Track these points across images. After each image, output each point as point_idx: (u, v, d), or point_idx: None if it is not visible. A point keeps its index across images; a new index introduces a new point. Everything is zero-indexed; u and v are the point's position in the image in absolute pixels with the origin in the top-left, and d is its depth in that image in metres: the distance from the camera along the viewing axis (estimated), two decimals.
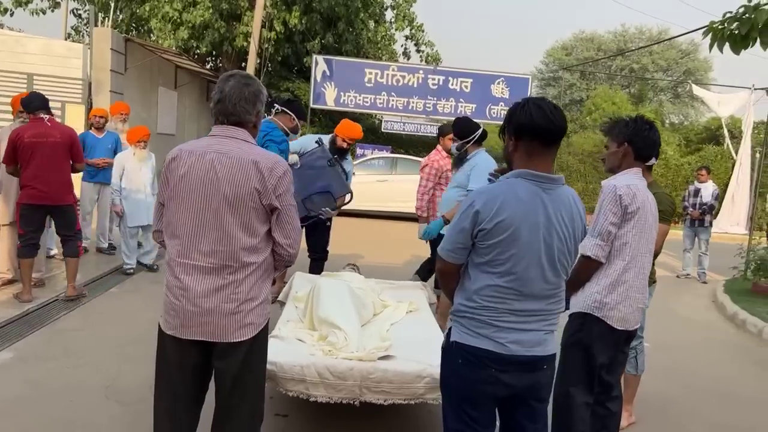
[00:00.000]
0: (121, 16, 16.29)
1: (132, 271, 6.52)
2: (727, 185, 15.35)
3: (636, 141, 2.83)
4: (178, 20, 14.72)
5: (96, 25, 10.96)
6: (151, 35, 16.53)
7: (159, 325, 2.28)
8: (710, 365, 5.17)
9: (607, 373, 2.87)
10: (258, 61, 12.75)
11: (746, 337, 6.18)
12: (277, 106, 4.87)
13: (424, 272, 5.58)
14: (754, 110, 15.65)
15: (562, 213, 2.07)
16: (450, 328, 2.21)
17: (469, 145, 4.62)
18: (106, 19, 11.67)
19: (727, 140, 16.74)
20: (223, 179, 2.10)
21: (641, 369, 3.58)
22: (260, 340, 2.28)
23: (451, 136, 5.61)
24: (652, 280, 3.52)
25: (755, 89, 15.33)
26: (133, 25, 17.33)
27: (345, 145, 5.53)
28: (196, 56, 16.98)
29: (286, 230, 2.22)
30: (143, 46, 11.59)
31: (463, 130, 4.62)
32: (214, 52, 18.36)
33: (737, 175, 15.37)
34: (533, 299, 2.07)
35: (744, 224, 15.16)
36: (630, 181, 2.75)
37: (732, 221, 15.28)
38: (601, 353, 2.77)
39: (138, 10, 15.42)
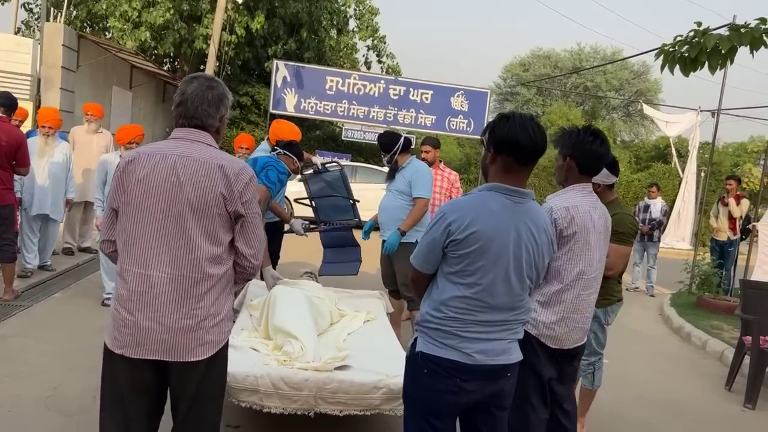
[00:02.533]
0: (75, 13, 15.79)
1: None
2: (674, 202, 15.91)
3: (578, 155, 2.68)
4: (137, 19, 14.37)
5: (48, 20, 10.56)
6: (107, 33, 16.08)
7: (105, 344, 2.08)
8: (659, 377, 5.32)
9: (557, 384, 2.89)
10: (217, 64, 12.54)
11: (691, 350, 6.38)
12: (278, 149, 4.82)
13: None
14: (700, 131, 16.31)
15: (531, 227, 2.09)
16: (415, 339, 2.20)
17: (397, 155, 4.67)
18: (59, 14, 11.26)
19: (675, 159, 17.38)
20: (186, 183, 1.98)
21: (597, 384, 3.62)
22: (219, 359, 2.13)
23: (425, 147, 5.70)
24: (616, 299, 3.58)
25: (701, 111, 15.97)
26: (89, 22, 16.82)
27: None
28: (153, 57, 16.60)
29: (250, 240, 2.11)
30: (97, 43, 11.25)
31: (387, 143, 4.72)
32: (172, 54, 18.00)
33: (683, 192, 15.93)
34: (499, 310, 2.08)
35: (689, 240, 15.75)
36: (571, 202, 2.65)
37: (678, 237, 15.82)
38: (545, 369, 2.75)
39: (94, 8, 14.98)
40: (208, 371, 2.09)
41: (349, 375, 2.94)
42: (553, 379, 2.82)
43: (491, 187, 2.08)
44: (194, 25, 15.36)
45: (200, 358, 2.05)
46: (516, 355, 2.16)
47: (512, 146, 2.04)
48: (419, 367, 2.13)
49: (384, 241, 4.68)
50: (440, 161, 5.90)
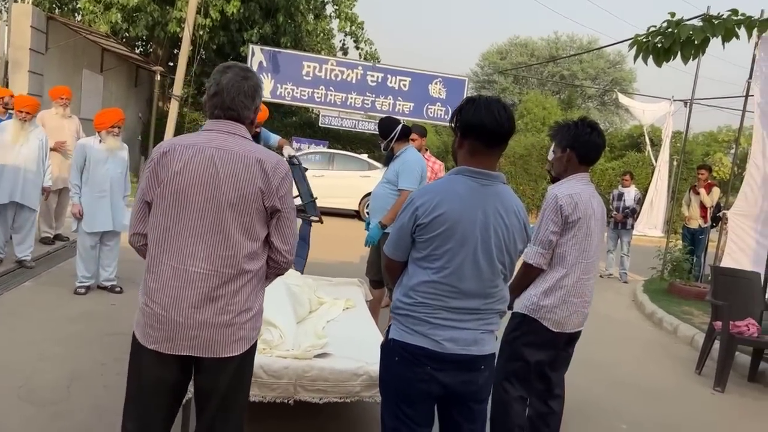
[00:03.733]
0: None
1: (84, 291, 5.42)
2: (647, 190, 16.18)
3: (578, 146, 2.81)
4: (108, 1, 13.99)
5: (15, 1, 10.22)
6: (77, 15, 15.66)
7: (134, 338, 2.03)
8: (631, 362, 5.43)
9: (550, 369, 2.94)
10: (191, 48, 12.29)
11: (663, 335, 6.52)
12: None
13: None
14: (673, 120, 16.57)
15: (499, 209, 2.09)
16: (389, 326, 2.20)
17: (393, 143, 4.64)
18: None
19: (648, 148, 17.65)
20: (225, 177, 1.92)
21: None
22: (250, 356, 2.10)
23: (412, 136, 5.64)
24: None
25: (674, 100, 16.22)
26: (58, 3, 16.33)
27: (254, 130, 5.25)
28: (125, 40, 16.21)
29: (285, 235, 2.06)
30: (67, 25, 10.93)
31: (385, 129, 4.68)
32: (145, 37, 17.60)
33: (656, 180, 16.22)
34: (469, 297, 2.08)
35: (661, 227, 16.07)
36: (573, 189, 2.77)
37: (650, 224, 16.11)
38: (535, 352, 2.84)
39: None
40: (240, 367, 2.05)
41: (329, 362, 2.93)
42: (544, 364, 2.88)
43: (459, 170, 2.09)
44: (167, 7, 15.01)
45: (235, 354, 2.00)
46: (489, 347, 2.15)
47: (478, 129, 2.04)
48: (392, 354, 2.13)
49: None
50: (426, 150, 5.87)
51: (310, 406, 2.96)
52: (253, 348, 2.11)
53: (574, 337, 2.93)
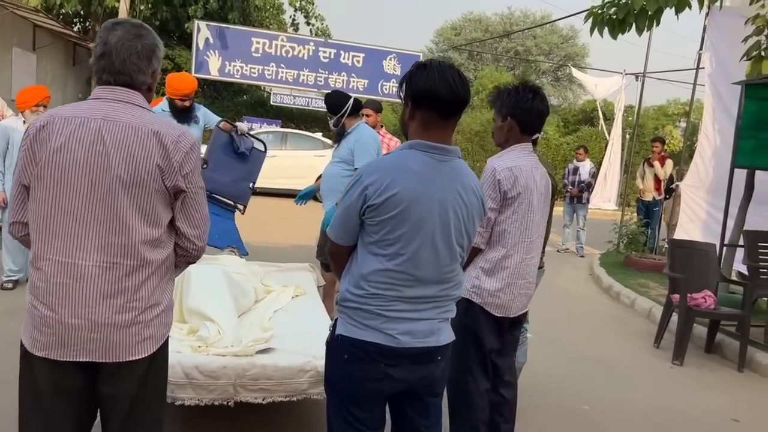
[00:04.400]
0: None
1: (11, 286, 5.04)
2: (600, 164, 16.35)
3: (519, 113, 2.54)
4: None
5: None
6: None
7: (21, 345, 1.75)
8: (590, 336, 5.37)
9: (498, 356, 2.77)
10: None
11: (621, 309, 6.52)
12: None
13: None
14: (625, 94, 16.74)
15: (457, 187, 1.87)
16: (336, 320, 1.97)
17: (345, 118, 4.35)
18: None
19: (601, 122, 17.83)
20: (115, 153, 1.65)
21: (522, 360, 3.51)
22: (161, 357, 1.83)
23: (366, 111, 5.34)
24: (539, 266, 3.47)
25: (626, 74, 16.36)
26: None
27: (183, 103, 4.69)
28: (60, 16, 15.27)
29: (194, 219, 1.80)
30: None
31: (334, 104, 4.35)
32: (82, 13, 16.63)
33: (609, 154, 16.38)
34: (426, 284, 1.86)
35: (615, 201, 16.31)
36: (514, 162, 2.52)
37: (604, 198, 16.29)
38: (488, 339, 2.65)
39: None
40: (149, 370, 1.77)
41: (273, 358, 2.68)
42: (494, 351, 2.69)
43: (412, 144, 1.85)
44: None
45: (141, 356, 1.74)
46: (446, 337, 1.96)
47: (432, 98, 1.81)
48: (339, 351, 1.90)
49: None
50: (381, 126, 5.60)
51: (253, 407, 2.71)
52: (165, 347, 1.84)
53: (518, 319, 2.73)
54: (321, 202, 4.44)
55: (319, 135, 14.27)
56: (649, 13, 6.30)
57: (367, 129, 4.46)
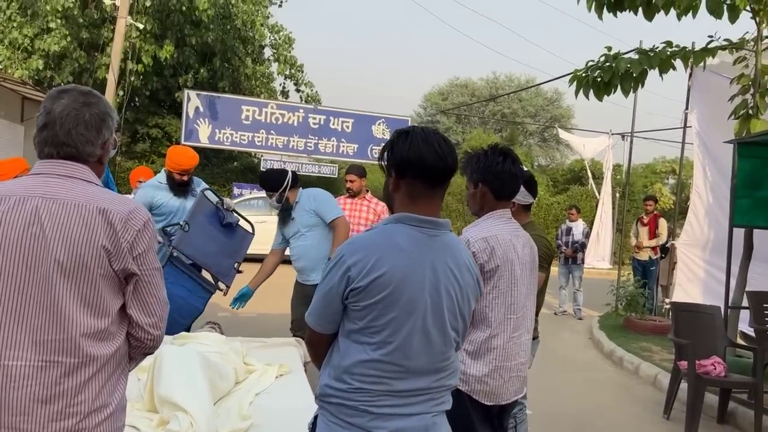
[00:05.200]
0: None
1: None
2: (592, 223, 16.32)
3: (490, 178, 2.36)
4: (30, 48, 13.30)
5: None
6: None
7: None
8: (595, 407, 5.06)
9: None
10: (121, 94, 11.71)
11: (624, 375, 6.22)
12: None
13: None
14: (613, 153, 16.93)
15: (450, 265, 1.68)
16: (315, 417, 1.73)
17: (288, 192, 4.23)
18: None
19: (591, 181, 17.94)
20: (53, 236, 1.47)
21: None
22: None
23: (350, 177, 5.26)
24: (533, 337, 3.24)
25: (612, 134, 16.61)
26: None
27: (182, 178, 4.54)
28: (52, 88, 15.44)
29: (148, 305, 1.60)
30: None
31: (275, 181, 4.23)
32: (73, 84, 16.86)
33: (600, 213, 16.42)
34: (418, 375, 1.65)
35: (608, 259, 16.21)
36: (489, 231, 2.31)
37: (598, 257, 16.22)
38: (482, 429, 2.36)
39: None
40: None
41: None
42: None
43: (398, 218, 1.68)
44: (95, 53, 14.41)
45: None
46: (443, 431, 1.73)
47: (417, 167, 1.65)
48: None
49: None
50: (367, 191, 5.48)
51: None
52: None
53: (507, 408, 2.44)
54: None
55: None
56: (634, 75, 6.37)
57: (310, 189, 4.39)
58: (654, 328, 7.67)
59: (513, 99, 32.20)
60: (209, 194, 4.53)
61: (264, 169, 4.39)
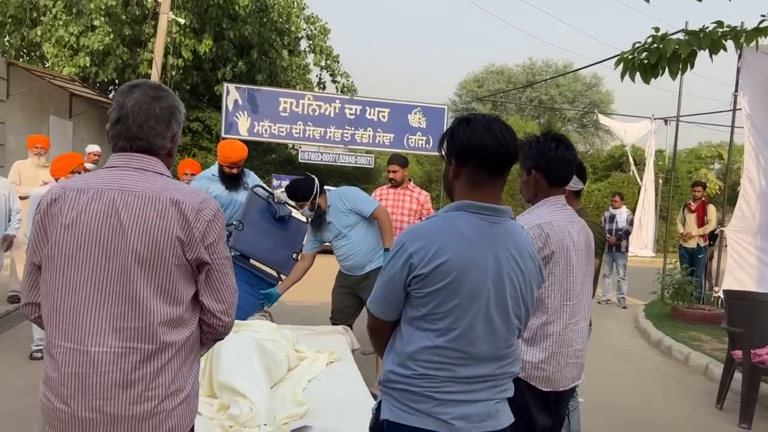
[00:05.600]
0: (9, 41, 14.97)
1: (41, 356, 4.74)
2: (634, 210, 15.97)
3: (543, 165, 2.35)
4: (75, 45, 13.67)
5: None
6: (45, 61, 15.30)
7: None
8: (645, 398, 4.99)
9: None
10: None
11: (674, 365, 6.10)
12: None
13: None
14: (655, 139, 16.48)
15: (513, 252, 1.68)
16: (379, 403, 1.76)
17: (318, 199, 4.21)
18: None
19: (633, 167, 17.52)
20: (130, 227, 1.52)
21: (575, 429, 3.21)
22: None
23: (393, 167, 5.28)
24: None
25: (655, 119, 16.17)
26: (24, 50, 15.99)
27: (231, 171, 4.65)
28: (97, 85, 15.86)
29: (219, 292, 1.65)
30: (30, 71, 10.54)
31: (304, 192, 4.17)
32: (116, 80, 17.28)
33: (643, 200, 16.03)
34: (482, 362, 1.66)
35: (651, 247, 15.82)
36: (543, 218, 2.31)
37: (641, 244, 15.83)
38: (539, 416, 2.36)
39: (29, 34, 14.22)
40: None
41: None
42: (547, 429, 2.42)
43: (459, 206, 1.68)
44: (137, 49, 14.73)
45: None
46: (505, 419, 1.74)
47: (479, 154, 1.65)
48: None
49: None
50: (410, 180, 5.49)
51: None
52: None
53: (565, 394, 2.42)
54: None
55: None
56: (682, 56, 6.19)
57: (338, 188, 4.42)
58: (703, 317, 7.49)
59: (550, 85, 31.60)
60: (259, 190, 4.62)
61: (291, 181, 4.40)
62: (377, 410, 1.76)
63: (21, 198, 6.45)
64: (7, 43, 14.92)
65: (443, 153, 1.75)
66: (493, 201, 1.69)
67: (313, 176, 4.27)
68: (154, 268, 1.54)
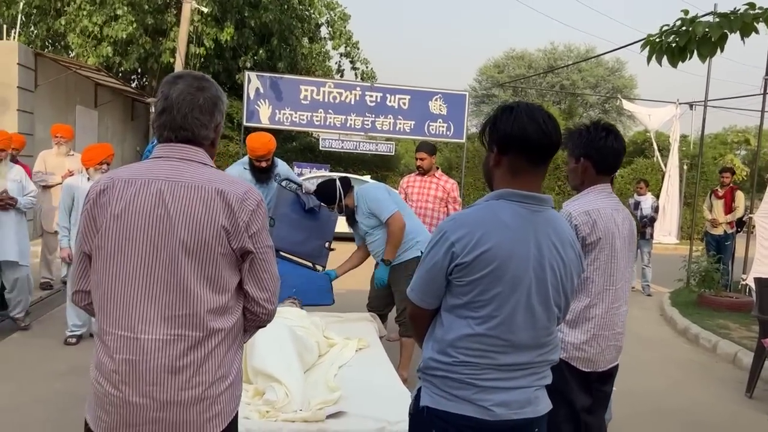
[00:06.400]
0: (35, 31, 15.16)
1: (75, 341, 5.05)
2: (658, 196, 15.76)
3: (593, 153, 2.43)
4: (99, 35, 13.80)
5: (2, 39, 9.99)
6: (70, 51, 15.49)
7: (86, 425, 1.65)
8: (673, 386, 4.96)
9: (588, 414, 2.52)
10: None
11: (701, 353, 6.05)
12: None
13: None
14: (679, 124, 16.22)
15: (554, 240, 1.69)
16: (419, 389, 1.78)
17: (345, 200, 4.31)
18: (20, 33, 10.69)
19: (656, 153, 17.26)
20: (177, 217, 1.55)
21: (607, 417, 3.23)
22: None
23: (421, 155, 5.28)
24: None
25: (680, 104, 15.88)
26: (50, 41, 16.18)
27: (260, 164, 4.65)
28: (120, 74, 16.01)
29: (263, 281, 1.67)
30: (57, 61, 10.66)
31: (330, 195, 4.33)
32: (139, 70, 17.42)
33: (667, 186, 15.81)
34: (522, 350, 1.67)
35: (675, 234, 15.62)
36: (591, 205, 2.38)
37: (664, 231, 15.64)
38: (578, 397, 2.44)
39: (54, 25, 14.38)
40: None
41: (345, 424, 2.51)
42: (585, 409, 2.46)
43: (500, 194, 1.69)
44: (160, 39, 14.82)
45: None
46: (544, 406, 1.76)
47: (521, 143, 1.66)
48: (426, 425, 1.71)
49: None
50: (437, 168, 5.48)
51: None
52: (234, 424, 1.70)
53: (607, 374, 2.53)
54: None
55: (367, 177, 14.29)
56: (713, 39, 6.06)
57: (362, 188, 4.38)
58: (731, 304, 7.40)
59: (572, 70, 31.16)
60: (287, 183, 4.67)
61: (317, 187, 4.47)
62: (416, 397, 1.79)
63: (48, 187, 6.59)
64: (32, 34, 15.10)
65: (484, 140, 1.76)
66: (535, 190, 1.70)
67: (336, 179, 4.34)
68: (201, 257, 1.57)
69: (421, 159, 5.26)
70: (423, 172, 5.29)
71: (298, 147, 18.29)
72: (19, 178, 5.30)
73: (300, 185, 4.74)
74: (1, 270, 5.18)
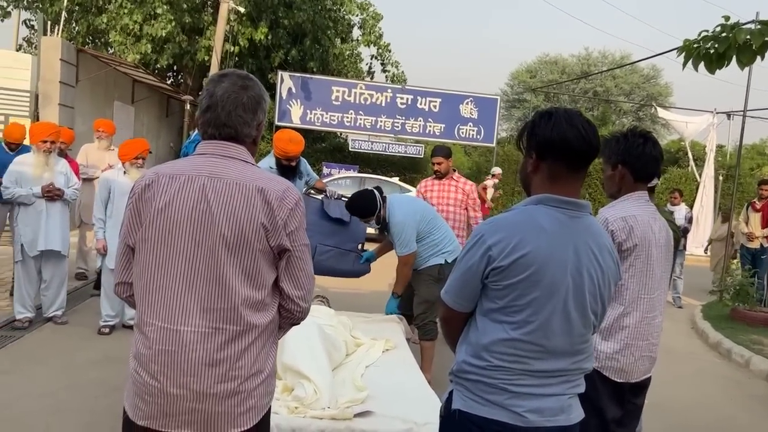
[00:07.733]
0: (77, 28, 15.56)
1: (108, 331, 5.14)
2: (692, 207, 15.44)
3: (630, 161, 2.41)
4: (139, 33, 14.12)
5: (45, 35, 10.29)
6: (110, 48, 15.86)
7: (124, 412, 1.70)
8: (705, 401, 4.86)
9: (619, 426, 2.49)
10: None
11: (734, 368, 5.91)
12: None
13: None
14: (716, 134, 15.87)
15: (592, 247, 1.68)
16: (450, 392, 1.79)
17: (382, 212, 4.29)
18: (63, 30, 11.02)
19: (691, 163, 16.93)
20: (219, 212, 1.59)
21: (638, 430, 3.18)
22: (263, 427, 1.73)
23: (437, 159, 5.27)
24: None
25: (717, 113, 15.56)
26: (91, 37, 16.60)
27: (289, 163, 4.68)
28: (156, 71, 16.35)
29: (299, 279, 1.70)
30: (97, 57, 10.95)
31: (368, 208, 4.27)
32: (175, 67, 17.74)
33: (701, 197, 15.50)
34: (557, 357, 1.66)
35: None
36: (627, 212, 2.35)
37: (697, 243, 15.35)
38: (609, 408, 2.40)
39: (95, 22, 14.75)
40: None
41: (372, 424, 2.52)
42: (616, 421, 2.43)
43: (539, 199, 1.68)
44: (196, 37, 15.07)
45: (244, 429, 1.65)
46: (576, 414, 1.74)
47: (560, 148, 1.65)
48: (457, 428, 1.71)
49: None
50: (455, 170, 5.47)
51: None
52: (267, 418, 1.73)
53: (641, 385, 2.48)
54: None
55: (396, 179, 14.32)
56: (754, 47, 5.92)
57: (394, 209, 4.28)
58: (765, 320, 7.21)
59: (606, 76, 30.73)
60: (312, 192, 4.74)
61: (351, 199, 4.48)
62: (448, 399, 1.79)
63: (89, 180, 6.75)
64: (74, 30, 15.50)
65: (522, 146, 1.76)
66: (573, 195, 1.69)
67: (374, 190, 4.32)
68: (240, 252, 1.60)
69: (438, 163, 5.25)
70: (440, 175, 5.29)
71: (327, 147, 18.41)
72: (65, 171, 5.42)
73: (325, 192, 4.84)
74: (42, 261, 5.30)
